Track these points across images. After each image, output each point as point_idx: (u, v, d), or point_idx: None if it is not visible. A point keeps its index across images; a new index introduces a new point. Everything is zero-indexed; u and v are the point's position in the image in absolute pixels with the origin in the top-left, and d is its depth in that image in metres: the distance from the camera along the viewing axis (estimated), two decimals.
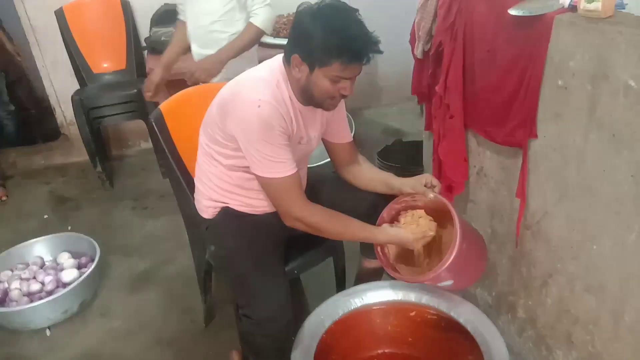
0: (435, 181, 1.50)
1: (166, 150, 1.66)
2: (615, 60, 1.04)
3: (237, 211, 1.54)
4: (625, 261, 1.13)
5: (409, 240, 1.44)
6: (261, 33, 2.05)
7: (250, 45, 2.07)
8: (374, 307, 1.59)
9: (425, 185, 1.49)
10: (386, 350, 1.59)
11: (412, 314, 1.55)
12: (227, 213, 1.55)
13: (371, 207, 1.57)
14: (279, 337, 1.45)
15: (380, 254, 1.55)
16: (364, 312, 1.58)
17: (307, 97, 1.38)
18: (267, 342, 1.45)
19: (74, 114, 2.85)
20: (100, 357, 1.91)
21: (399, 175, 1.66)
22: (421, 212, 1.50)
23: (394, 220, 1.56)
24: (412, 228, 1.46)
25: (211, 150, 1.49)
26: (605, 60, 1.06)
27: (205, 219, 1.59)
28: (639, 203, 1.06)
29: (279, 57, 1.43)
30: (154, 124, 1.65)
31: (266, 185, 1.40)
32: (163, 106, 1.70)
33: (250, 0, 2.02)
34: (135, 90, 2.79)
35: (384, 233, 1.46)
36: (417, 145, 2.22)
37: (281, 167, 1.36)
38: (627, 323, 1.17)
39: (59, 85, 3.18)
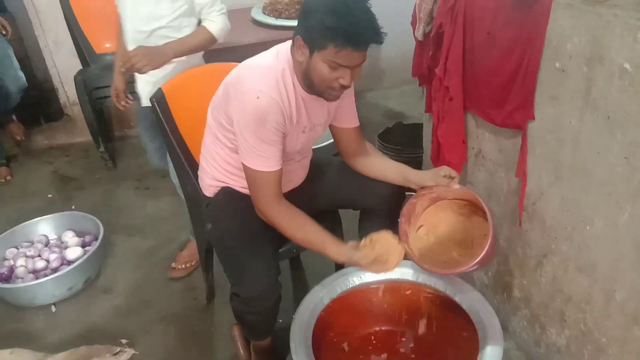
0: (454, 172, 1.48)
1: (167, 130, 1.68)
2: (611, 43, 1.05)
3: (236, 191, 1.57)
4: (616, 241, 1.16)
5: (359, 264, 1.39)
6: (214, 41, 1.88)
7: (200, 48, 1.89)
8: (372, 286, 1.63)
9: (444, 177, 1.48)
10: (382, 328, 1.62)
11: (408, 292, 1.58)
12: (226, 192, 1.57)
13: (383, 199, 1.59)
14: (268, 315, 1.50)
15: (402, 226, 1.52)
16: (361, 291, 1.62)
17: (308, 83, 1.36)
18: (256, 319, 1.49)
19: (77, 94, 2.87)
20: (104, 333, 1.95)
21: (397, 158, 1.69)
22: (386, 234, 1.42)
23: (412, 217, 1.54)
24: (365, 252, 1.39)
25: (217, 132, 1.50)
26: (601, 42, 1.07)
27: (206, 196, 1.62)
28: (632, 184, 1.08)
29: (288, 42, 1.40)
30: (155, 103, 1.66)
31: (246, 172, 1.42)
32: (165, 86, 1.72)
33: (206, 7, 1.84)
34: None
35: (337, 252, 1.39)
36: (418, 128, 2.23)
37: (264, 161, 1.37)
38: (617, 302, 1.20)
39: (61, 65, 3.19)
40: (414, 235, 1.57)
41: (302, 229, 1.42)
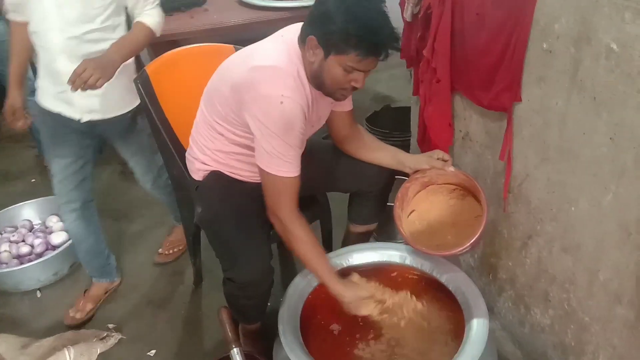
0: (447, 156, 1.49)
1: (152, 113, 1.66)
2: (599, 23, 1.04)
3: (227, 175, 1.56)
4: (601, 221, 1.17)
5: (343, 302, 1.39)
6: (154, 36, 1.72)
7: (143, 46, 1.72)
8: (359, 269, 1.63)
9: (438, 160, 1.49)
10: None
11: (394, 274, 1.59)
12: (217, 176, 1.56)
13: (375, 183, 1.59)
14: (261, 299, 1.50)
15: (396, 210, 1.54)
16: (349, 273, 1.62)
17: (318, 83, 1.33)
18: (250, 303, 1.49)
19: None
20: (91, 318, 1.94)
21: (385, 142, 1.68)
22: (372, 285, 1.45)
23: (404, 201, 1.55)
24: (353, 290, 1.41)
25: (217, 125, 1.46)
26: (588, 23, 1.07)
27: (195, 180, 1.61)
28: (616, 165, 1.08)
29: (293, 35, 1.35)
30: (139, 85, 1.64)
31: (265, 178, 1.37)
32: (149, 67, 1.69)
33: (140, 1, 1.69)
34: None
35: (333, 285, 1.39)
36: (406, 111, 2.22)
37: (287, 167, 1.33)
38: (601, 281, 1.22)
39: None
40: (407, 219, 1.59)
41: (313, 247, 1.39)
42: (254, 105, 1.30)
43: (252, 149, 1.42)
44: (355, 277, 1.45)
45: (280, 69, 1.30)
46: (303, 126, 1.32)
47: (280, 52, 1.34)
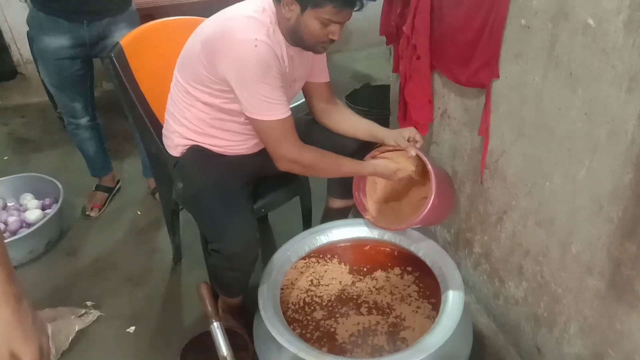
0: (418, 136, 1.53)
1: (128, 88, 1.62)
2: None
3: (206, 149, 1.54)
4: (574, 195, 1.20)
5: (392, 171, 1.50)
6: None
7: None
8: (339, 245, 1.65)
9: (407, 140, 1.52)
10: (349, 283, 1.64)
11: (369, 249, 1.64)
12: (196, 151, 1.55)
13: (352, 154, 1.59)
14: (247, 271, 1.50)
15: (358, 198, 1.61)
16: (328, 249, 1.64)
17: (296, 39, 1.35)
18: (235, 275, 1.50)
19: (31, 51, 2.73)
20: (68, 296, 1.92)
21: (365, 118, 1.69)
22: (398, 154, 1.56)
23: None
24: (391, 161, 1.53)
25: (191, 88, 1.45)
26: None
27: (173, 156, 1.59)
28: (591, 140, 1.11)
29: None
30: (114, 59, 1.60)
31: (261, 129, 1.38)
32: (124, 40, 1.65)
33: None
34: None
35: (370, 165, 1.52)
36: (385, 90, 2.23)
37: (278, 108, 1.34)
38: (573, 254, 1.25)
39: (13, 20, 3.04)
40: (371, 193, 1.65)
41: (338, 164, 1.47)
42: (228, 54, 1.31)
43: (228, 112, 1.43)
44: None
45: (253, 17, 1.34)
46: (279, 68, 1.33)
47: (252, 6, 1.37)
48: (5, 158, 2.75)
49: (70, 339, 1.72)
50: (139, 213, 2.34)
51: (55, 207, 2.13)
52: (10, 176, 2.33)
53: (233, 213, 1.41)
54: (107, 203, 2.41)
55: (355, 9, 1.32)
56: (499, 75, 1.36)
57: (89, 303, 1.86)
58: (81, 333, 1.75)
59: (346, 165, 1.49)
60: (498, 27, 1.32)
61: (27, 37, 2.67)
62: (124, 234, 2.20)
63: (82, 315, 1.79)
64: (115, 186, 2.48)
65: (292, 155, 1.41)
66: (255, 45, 1.28)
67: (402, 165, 1.52)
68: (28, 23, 2.01)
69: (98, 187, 2.42)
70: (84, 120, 2.19)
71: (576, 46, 1.08)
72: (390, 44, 1.93)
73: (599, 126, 1.07)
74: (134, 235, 2.20)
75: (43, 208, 2.20)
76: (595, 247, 1.17)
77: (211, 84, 1.39)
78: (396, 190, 1.66)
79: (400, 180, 1.58)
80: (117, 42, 1.64)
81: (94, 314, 1.81)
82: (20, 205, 2.24)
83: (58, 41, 1.95)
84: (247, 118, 1.39)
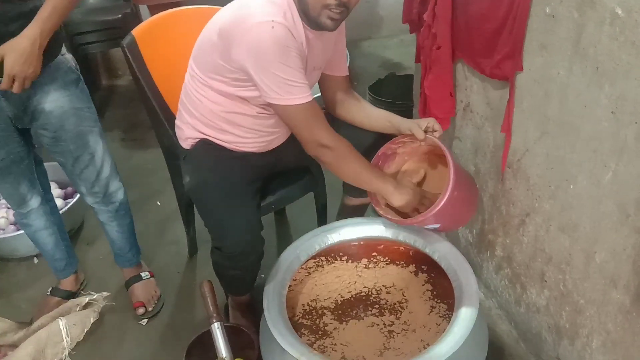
0: (437, 126, 1.44)
1: (140, 78, 1.60)
2: None
3: (216, 144, 1.51)
4: (599, 201, 1.10)
5: (410, 203, 1.41)
6: None
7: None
8: (352, 243, 1.59)
9: (425, 130, 1.43)
10: (359, 284, 1.58)
11: (383, 248, 1.56)
12: (205, 144, 1.51)
13: (369, 147, 1.53)
14: (250, 270, 1.47)
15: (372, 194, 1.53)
16: (340, 247, 1.58)
17: (305, 8, 1.28)
18: (237, 274, 1.46)
19: None
20: (87, 284, 1.95)
21: (389, 109, 1.62)
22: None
23: (390, 159, 1.55)
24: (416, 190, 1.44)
25: (206, 78, 1.41)
26: None
27: (184, 149, 1.56)
28: (617, 141, 1.00)
29: None
30: (126, 50, 1.58)
31: (287, 114, 1.32)
32: (136, 31, 1.62)
33: None
34: (121, 15, 2.69)
35: (394, 194, 1.39)
36: (411, 79, 2.14)
37: (301, 91, 1.28)
38: (597, 263, 1.15)
39: None
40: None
41: (364, 167, 1.38)
42: (244, 38, 1.25)
43: (242, 102, 1.39)
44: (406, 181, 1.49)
45: (270, 2, 1.27)
46: (299, 49, 1.28)
47: None
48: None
49: (85, 331, 1.74)
50: (159, 204, 2.34)
51: (77, 197, 2.15)
52: None
53: (236, 211, 1.37)
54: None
55: None
56: (523, 67, 1.26)
57: (105, 294, 1.87)
58: (95, 325, 1.77)
59: (370, 176, 1.40)
60: (522, 15, 1.22)
61: None
62: (143, 226, 2.20)
63: (88, 304, 1.80)
64: (79, 290, 1.91)
65: (326, 140, 1.33)
66: (272, 27, 1.22)
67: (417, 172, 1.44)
68: None
69: (54, 292, 1.86)
70: (34, 203, 1.67)
71: (603, 38, 0.98)
72: (414, 32, 1.84)
73: (627, 126, 0.97)
74: (152, 226, 2.20)
75: (65, 197, 2.23)
76: (621, 258, 1.07)
77: (227, 73, 1.35)
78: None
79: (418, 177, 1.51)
80: (130, 32, 1.60)
81: (99, 297, 1.81)
82: None
83: None
84: (271, 105, 1.33)
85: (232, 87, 1.38)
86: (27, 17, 1.28)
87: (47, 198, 1.77)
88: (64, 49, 1.49)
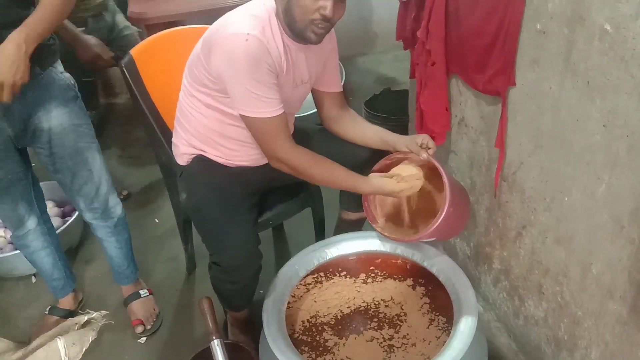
0: (431, 143, 1.47)
1: (138, 97, 1.62)
2: (592, 1, 0.97)
3: (211, 160, 1.52)
4: (594, 213, 1.11)
5: (393, 191, 1.42)
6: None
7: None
8: (350, 258, 1.60)
9: (420, 146, 1.46)
10: (358, 299, 1.59)
11: (381, 262, 1.57)
12: (201, 161, 1.53)
13: (364, 162, 1.55)
14: (248, 285, 1.47)
15: (368, 209, 1.55)
16: (338, 262, 1.59)
17: (290, 21, 1.30)
18: (235, 289, 1.47)
19: None
20: (86, 303, 1.94)
21: (384, 126, 1.64)
22: (407, 165, 1.49)
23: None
24: (397, 178, 1.44)
25: (194, 91, 1.43)
26: (582, 1, 1.00)
27: (180, 165, 1.57)
28: (609, 154, 1.02)
29: None
30: (124, 69, 1.60)
31: (251, 125, 1.36)
32: (134, 50, 1.65)
33: None
34: None
35: (369, 184, 1.43)
36: (406, 95, 2.16)
37: (268, 106, 1.31)
38: (593, 275, 1.16)
39: None
40: (381, 199, 1.59)
41: (331, 171, 1.41)
42: (219, 47, 1.29)
43: (229, 116, 1.41)
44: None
45: (250, 13, 1.32)
46: (271, 65, 1.30)
47: (254, 4, 1.36)
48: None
49: (84, 350, 1.73)
50: (157, 221, 2.34)
51: (75, 215, 2.15)
52: None
53: (233, 225, 1.38)
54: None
55: None
56: (516, 82, 1.28)
57: (103, 312, 1.87)
58: (94, 343, 1.76)
59: (341, 177, 1.41)
60: (513, 31, 1.24)
61: None
62: (141, 242, 2.20)
63: (87, 323, 1.79)
64: (77, 308, 1.90)
65: (281, 154, 1.37)
66: (247, 40, 1.25)
67: (409, 180, 1.44)
68: None
69: (53, 311, 1.86)
70: (31, 224, 1.66)
71: (593, 53, 1.00)
72: (407, 48, 1.86)
73: (618, 139, 0.98)
74: (150, 243, 2.20)
75: (63, 216, 2.23)
76: (616, 270, 1.08)
77: (210, 83, 1.38)
78: (408, 201, 1.59)
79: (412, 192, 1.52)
80: (128, 52, 1.63)
81: (97, 316, 1.81)
82: None
83: None
84: (239, 114, 1.36)
85: (217, 101, 1.40)
86: (14, 26, 1.25)
87: (44, 219, 1.76)
88: (61, 67, 1.50)
